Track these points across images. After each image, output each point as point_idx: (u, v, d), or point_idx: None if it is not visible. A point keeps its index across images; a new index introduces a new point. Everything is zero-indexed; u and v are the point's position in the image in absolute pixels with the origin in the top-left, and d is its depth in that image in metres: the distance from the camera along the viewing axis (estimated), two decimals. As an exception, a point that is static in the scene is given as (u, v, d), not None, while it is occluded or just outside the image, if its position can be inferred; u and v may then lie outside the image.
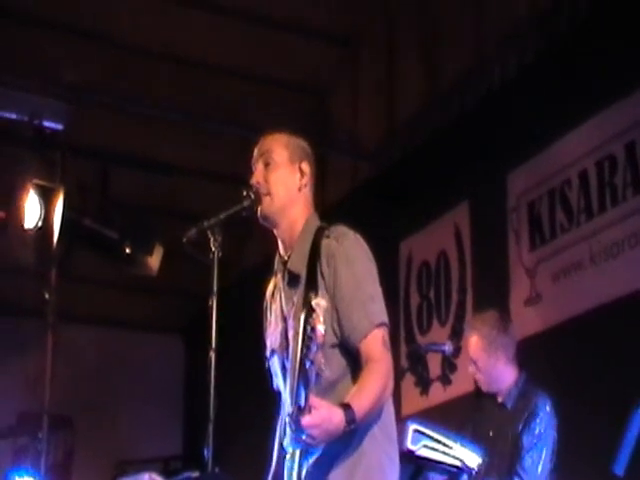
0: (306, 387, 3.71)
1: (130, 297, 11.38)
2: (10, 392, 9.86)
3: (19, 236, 7.06)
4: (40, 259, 7.03)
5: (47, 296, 6.73)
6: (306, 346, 3.69)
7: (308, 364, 3.66)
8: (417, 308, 9.00)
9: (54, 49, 8.74)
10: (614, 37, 6.82)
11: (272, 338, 4.28)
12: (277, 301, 4.29)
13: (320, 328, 3.63)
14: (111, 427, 11.54)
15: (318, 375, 3.79)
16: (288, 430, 3.85)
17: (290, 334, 4.11)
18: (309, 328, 3.64)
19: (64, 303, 7.04)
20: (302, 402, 3.69)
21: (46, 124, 7.79)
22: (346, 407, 3.81)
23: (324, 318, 3.67)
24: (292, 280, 4.18)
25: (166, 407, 12.29)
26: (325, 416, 3.75)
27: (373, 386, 3.96)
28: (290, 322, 4.13)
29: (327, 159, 6.71)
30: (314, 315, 3.63)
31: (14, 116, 8.01)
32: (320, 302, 3.65)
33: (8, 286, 9.31)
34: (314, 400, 3.72)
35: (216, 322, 4.10)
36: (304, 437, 3.73)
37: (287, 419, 3.87)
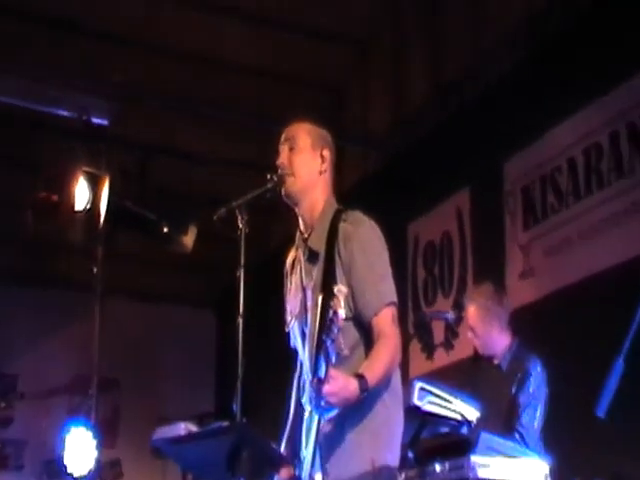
0: (327, 362, 3.77)
1: (168, 273, 11.40)
2: (65, 356, 9.90)
3: (70, 217, 7.09)
4: (88, 238, 7.06)
5: (94, 270, 6.76)
6: (328, 327, 3.74)
7: (329, 342, 3.71)
8: (423, 282, 8.99)
9: (101, 55, 8.76)
10: (599, 39, 6.82)
11: (292, 305, 4.32)
12: (297, 272, 4.32)
13: (341, 312, 3.71)
14: (152, 388, 11.59)
15: (338, 354, 3.85)
16: (308, 392, 3.96)
17: (309, 304, 4.16)
18: (331, 312, 3.70)
19: (110, 278, 7.06)
20: (322, 374, 3.76)
21: (93, 120, 7.83)
22: (360, 377, 3.88)
23: (344, 302, 3.73)
24: (311, 256, 4.21)
25: (200, 371, 12.35)
26: (342, 385, 3.83)
27: (383, 359, 4.03)
28: (309, 293, 4.18)
29: (342, 150, 6.73)
30: (335, 300, 3.69)
31: (66, 113, 8.06)
32: (341, 288, 3.73)
33: (61, 262, 9.33)
34: (332, 372, 3.78)
35: (243, 292, 4.12)
36: (323, 403, 3.80)
37: (308, 386, 3.97)
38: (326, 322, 3.72)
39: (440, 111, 8.57)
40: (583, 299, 6.75)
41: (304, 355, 4.19)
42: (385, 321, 4.07)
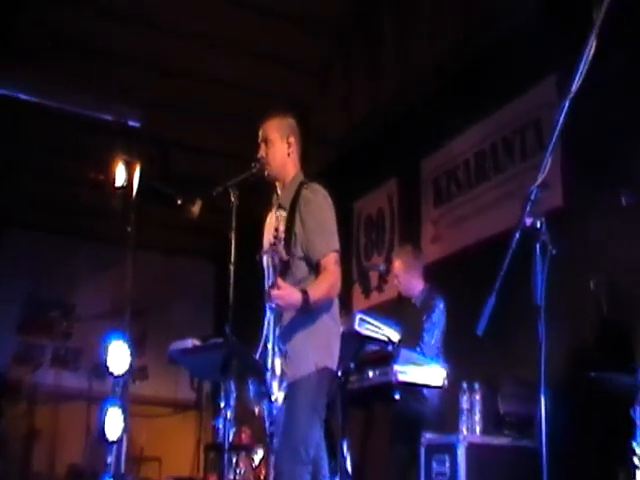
0: (275, 271, 3.78)
1: (181, 234, 11.37)
2: (108, 292, 9.86)
3: (112, 191, 7.07)
4: (125, 206, 7.03)
5: (129, 230, 6.74)
6: (272, 243, 3.77)
7: (275, 254, 3.73)
8: (364, 245, 8.97)
9: (135, 75, 8.70)
10: (487, 77, 6.83)
11: (264, 245, 4.29)
12: (271, 222, 4.29)
13: (281, 228, 3.84)
14: (169, 316, 11.60)
15: (281, 261, 3.89)
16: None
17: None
18: (275, 233, 3.85)
19: (139, 236, 7.02)
20: (273, 281, 3.84)
21: (129, 122, 7.82)
22: (304, 291, 3.88)
23: (295, 234, 3.85)
24: (280, 209, 4.19)
25: (203, 304, 12.37)
26: (288, 292, 3.85)
27: (324, 285, 4.02)
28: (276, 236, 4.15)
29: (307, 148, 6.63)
30: (281, 225, 3.85)
31: (109, 118, 8.02)
32: (298, 232, 3.78)
33: (104, 225, 9.26)
34: (280, 280, 3.82)
35: (234, 247, 4.11)
36: (274, 305, 3.83)
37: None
38: (277, 259, 3.83)
39: (378, 123, 8.53)
40: (473, 257, 6.79)
41: (268, 281, 4.14)
42: (329, 261, 4.05)
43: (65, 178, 9.93)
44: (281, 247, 3.86)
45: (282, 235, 3.86)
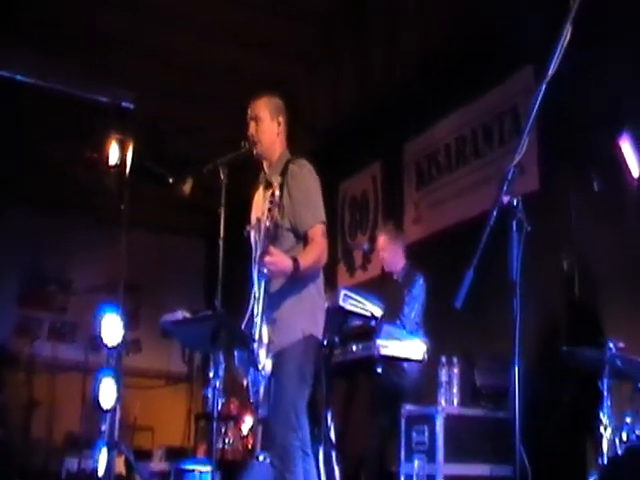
0: (269, 239, 3.77)
1: (172, 212, 11.31)
2: (103, 267, 9.81)
3: (106, 170, 7.02)
4: (118, 184, 6.98)
5: (122, 207, 6.69)
6: (268, 209, 3.75)
7: (269, 221, 3.72)
8: (348, 224, 8.98)
9: (128, 58, 8.65)
10: (469, 69, 6.82)
11: (252, 220, 4.27)
12: (259, 199, 4.28)
13: (277, 194, 3.77)
14: (162, 291, 11.54)
15: (276, 226, 3.86)
16: (257, 271, 3.91)
17: (262, 218, 4.05)
18: (271, 197, 3.78)
19: (132, 214, 6.99)
20: (265, 248, 3.79)
21: (123, 104, 7.77)
22: (294, 259, 3.86)
23: (283, 206, 3.82)
24: (268, 185, 4.16)
25: (194, 279, 12.31)
26: (280, 259, 3.83)
27: (313, 255, 4.01)
28: (264, 210, 4.06)
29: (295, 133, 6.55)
30: (276, 193, 3.79)
31: (105, 99, 7.97)
32: (285, 204, 3.80)
33: (100, 203, 9.22)
34: (271, 247, 3.79)
35: (224, 224, 4.10)
36: (265, 270, 3.78)
37: (257, 262, 3.92)
38: (268, 225, 3.77)
39: (363, 107, 8.50)
40: (453, 238, 6.78)
41: (256, 254, 4.10)
42: (316, 233, 4.04)
43: (62, 157, 9.88)
44: (276, 211, 3.84)
45: (278, 200, 3.82)
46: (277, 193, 3.80)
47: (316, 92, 9.28)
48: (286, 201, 3.95)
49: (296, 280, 3.95)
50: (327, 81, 9.11)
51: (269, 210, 3.80)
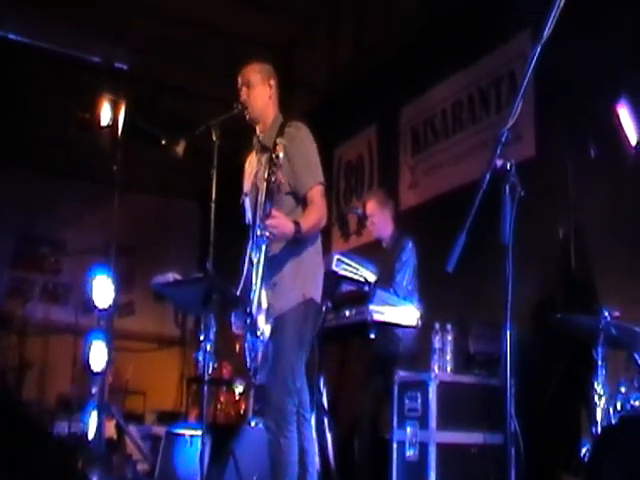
0: (271, 202, 3.73)
1: (166, 173, 11.27)
2: (96, 229, 9.83)
3: (99, 130, 6.99)
4: (111, 145, 6.95)
5: (115, 169, 6.66)
6: (272, 171, 3.70)
7: (272, 181, 3.68)
8: (344, 190, 8.96)
9: (122, 18, 8.54)
10: (468, 31, 6.77)
11: (246, 186, 4.23)
12: (252, 164, 4.24)
13: (281, 156, 3.71)
14: (156, 254, 11.54)
15: (279, 190, 3.79)
16: (257, 235, 3.86)
17: (258, 183, 4.07)
18: (274, 178, 3.71)
19: (127, 178, 6.95)
20: (268, 211, 3.73)
21: (116, 64, 7.72)
22: (296, 222, 3.82)
23: (284, 168, 3.73)
24: (263, 149, 4.15)
25: (188, 242, 12.30)
26: (282, 221, 3.78)
27: (314, 217, 3.96)
28: (259, 175, 4.09)
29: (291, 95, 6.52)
30: (280, 154, 3.72)
31: (97, 59, 7.90)
32: (282, 162, 3.72)
33: (93, 164, 9.18)
34: (275, 210, 3.74)
35: (216, 187, 4.08)
36: (267, 233, 3.73)
37: (258, 226, 3.88)
38: (271, 168, 3.72)
39: (359, 71, 8.44)
40: (448, 203, 6.75)
41: (253, 219, 4.08)
42: (316, 194, 4.00)
43: (54, 118, 9.80)
44: (280, 173, 3.80)
45: (281, 161, 3.78)
46: (281, 155, 3.75)
47: (313, 55, 9.20)
48: (285, 164, 3.90)
49: (296, 243, 3.92)
50: (325, 43, 9.04)
51: (272, 173, 3.75)
